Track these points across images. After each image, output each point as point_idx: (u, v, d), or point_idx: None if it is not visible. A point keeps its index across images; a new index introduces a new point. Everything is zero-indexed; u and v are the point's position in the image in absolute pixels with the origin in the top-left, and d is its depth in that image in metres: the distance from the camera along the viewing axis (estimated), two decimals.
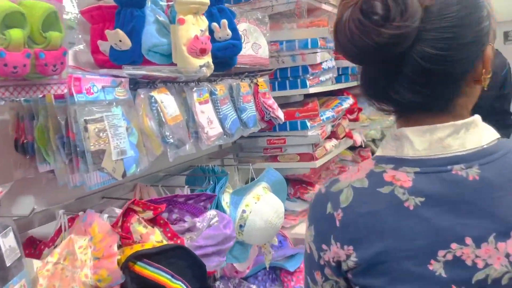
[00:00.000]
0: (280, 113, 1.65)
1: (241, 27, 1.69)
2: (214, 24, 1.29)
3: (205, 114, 1.25)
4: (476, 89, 0.70)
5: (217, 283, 1.59)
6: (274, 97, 1.95)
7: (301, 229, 2.01)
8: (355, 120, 2.53)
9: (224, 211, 1.44)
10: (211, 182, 1.47)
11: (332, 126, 2.15)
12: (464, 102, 0.69)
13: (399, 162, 0.67)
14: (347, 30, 0.63)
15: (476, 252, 0.62)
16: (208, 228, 1.12)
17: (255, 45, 1.73)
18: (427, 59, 0.62)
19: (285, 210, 2.04)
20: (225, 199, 1.49)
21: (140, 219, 0.99)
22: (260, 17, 1.80)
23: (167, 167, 1.53)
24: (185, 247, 0.99)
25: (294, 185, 2.09)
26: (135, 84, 1.13)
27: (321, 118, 1.95)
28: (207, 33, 1.22)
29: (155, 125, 1.10)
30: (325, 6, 2.06)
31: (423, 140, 0.67)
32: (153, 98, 1.10)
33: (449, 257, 0.63)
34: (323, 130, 1.96)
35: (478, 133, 0.67)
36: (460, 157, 0.65)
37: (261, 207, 1.47)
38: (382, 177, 0.67)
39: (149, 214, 1.01)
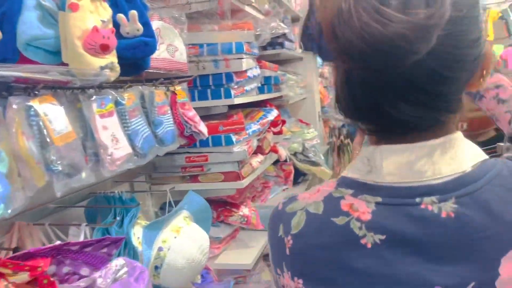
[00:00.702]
0: (203, 127, 1.41)
1: (154, 25, 1.41)
2: (120, 16, 1.01)
3: (108, 130, 0.96)
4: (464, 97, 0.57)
5: None
6: (193, 108, 1.71)
7: (226, 258, 1.76)
8: (279, 133, 2.37)
9: (135, 250, 1.15)
10: (118, 216, 1.17)
11: (258, 140, 1.95)
12: (457, 113, 0.56)
13: (360, 188, 0.56)
14: (356, 21, 0.46)
15: None
16: (114, 284, 0.83)
17: (170, 47, 1.47)
18: (444, 63, 0.50)
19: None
20: (137, 233, 1.20)
21: (10, 285, 0.68)
22: (176, 15, 1.55)
23: (59, 197, 1.19)
24: None
25: (217, 207, 1.84)
26: (6, 90, 0.82)
27: (247, 131, 1.74)
28: (110, 25, 0.94)
29: (35, 146, 0.79)
30: (248, 9, 1.87)
31: (391, 163, 0.54)
32: (32, 109, 0.80)
33: None
34: (250, 145, 1.75)
35: (458, 155, 0.54)
36: (433, 187, 0.52)
37: (182, 242, 1.20)
38: (339, 205, 0.56)
39: (24, 276, 0.70)
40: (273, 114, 2.14)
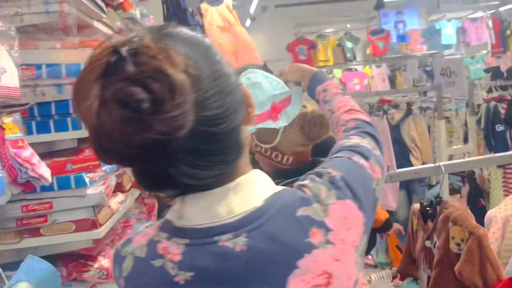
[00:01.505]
0: (44, 170, 1.11)
1: None
2: None
3: None
4: (246, 136, 0.66)
5: None
6: (30, 144, 1.36)
7: None
8: None
9: None
10: None
11: (116, 176, 1.68)
12: (243, 152, 0.64)
13: (173, 232, 0.63)
14: (114, 133, 0.51)
15: None
16: None
17: None
18: (211, 123, 0.57)
19: None
20: None
21: None
22: (3, 29, 1.22)
23: None
24: None
25: (67, 263, 1.50)
26: None
27: (103, 168, 1.47)
28: None
29: None
30: (97, 25, 1.61)
31: (195, 208, 0.62)
32: None
33: None
34: (107, 185, 1.47)
35: (250, 193, 0.63)
36: (228, 226, 0.61)
37: None
38: (156, 248, 0.63)
39: None
40: None
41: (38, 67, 1.30)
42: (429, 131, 3.16)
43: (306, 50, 7.07)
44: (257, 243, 0.60)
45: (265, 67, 3.53)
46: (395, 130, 2.49)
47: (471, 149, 2.32)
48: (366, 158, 0.73)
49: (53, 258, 1.53)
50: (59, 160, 1.35)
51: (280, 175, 1.14)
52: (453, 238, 0.97)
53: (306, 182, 0.67)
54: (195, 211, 0.61)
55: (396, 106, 2.68)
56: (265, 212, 0.61)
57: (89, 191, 1.37)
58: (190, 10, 3.41)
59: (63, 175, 1.34)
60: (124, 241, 0.67)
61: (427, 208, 1.11)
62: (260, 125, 1.22)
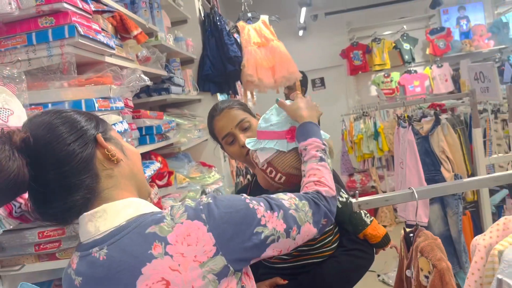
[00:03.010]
0: None
1: None
2: None
3: None
4: (119, 166, 0.88)
5: None
6: None
7: None
8: (168, 185, 2.21)
9: None
10: None
11: None
12: (108, 184, 0.85)
13: (77, 248, 0.87)
14: None
15: None
16: None
17: (3, 111, 1.28)
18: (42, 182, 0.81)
19: None
20: None
21: None
22: (15, 74, 1.36)
23: None
24: None
25: None
26: None
27: None
28: None
29: None
30: (109, 59, 1.72)
31: (81, 228, 0.85)
32: None
33: None
34: None
35: (113, 216, 0.82)
36: (96, 241, 0.81)
37: None
38: (71, 260, 0.87)
39: None
40: (154, 167, 1.98)
41: (45, 106, 1.43)
42: (485, 136, 2.95)
43: (361, 55, 6.91)
44: (113, 254, 0.78)
45: (304, 77, 3.54)
46: (426, 141, 2.35)
47: None
48: (269, 207, 0.85)
49: None
50: None
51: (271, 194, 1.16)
52: (421, 270, 0.91)
53: (179, 203, 0.84)
54: (81, 230, 0.84)
55: (424, 116, 2.54)
56: (123, 230, 0.79)
57: None
58: (227, 29, 3.50)
59: None
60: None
61: (410, 235, 1.05)
62: (274, 142, 1.24)
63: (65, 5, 1.37)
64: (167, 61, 2.72)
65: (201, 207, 0.81)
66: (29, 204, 0.86)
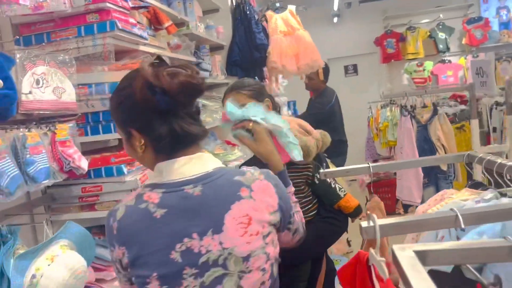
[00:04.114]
0: (83, 163, 1.55)
1: (39, 70, 1.56)
2: None
3: None
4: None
5: None
6: (87, 142, 1.84)
7: None
8: None
9: (9, 278, 1.28)
10: None
11: None
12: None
13: (154, 186, 1.00)
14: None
15: (201, 243, 0.94)
16: None
17: (57, 89, 1.62)
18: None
19: (107, 261, 1.91)
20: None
21: None
22: (67, 59, 1.70)
23: None
24: None
25: None
26: None
27: None
28: None
29: None
30: (143, 48, 2.04)
31: (170, 170, 1.00)
32: None
33: (183, 248, 0.94)
34: (144, 174, 1.90)
35: (204, 163, 1.02)
36: (189, 180, 0.99)
37: (55, 269, 1.33)
38: (142, 197, 0.99)
39: None
40: None
41: (90, 86, 1.76)
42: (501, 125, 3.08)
43: (395, 43, 6.94)
44: (207, 191, 0.97)
45: (326, 68, 3.79)
46: (425, 129, 2.53)
47: (507, 149, 2.27)
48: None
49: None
50: (106, 154, 1.81)
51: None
52: None
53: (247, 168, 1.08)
54: (170, 172, 0.99)
55: (425, 106, 2.71)
56: (214, 175, 1.00)
57: (127, 178, 1.80)
58: (256, 17, 3.75)
59: (108, 166, 1.79)
60: (116, 204, 1.03)
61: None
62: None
63: (108, 4, 1.69)
64: (197, 48, 3.02)
65: (272, 174, 1.07)
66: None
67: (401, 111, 2.66)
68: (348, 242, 3.73)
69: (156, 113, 0.97)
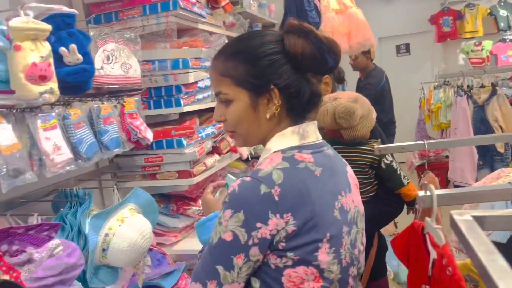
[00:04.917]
0: (148, 134, 1.67)
1: (109, 47, 1.68)
2: (62, 49, 1.27)
3: (51, 140, 1.23)
4: None
5: None
6: (150, 116, 1.97)
7: (184, 245, 2.03)
8: None
9: (86, 235, 1.42)
10: (72, 208, 1.43)
11: (215, 142, 2.21)
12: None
13: (299, 148, 0.95)
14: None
15: (346, 200, 0.96)
16: (49, 258, 1.10)
17: (124, 65, 1.73)
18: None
19: (167, 227, 2.06)
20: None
21: None
22: (132, 37, 1.81)
23: (27, 192, 1.47)
24: (11, 281, 0.96)
25: (177, 201, 2.10)
26: None
27: (200, 135, 2.00)
28: (50, 59, 1.20)
29: None
30: (201, 26, 2.12)
31: (310, 132, 0.98)
32: None
33: (339, 205, 0.93)
34: (202, 147, 2.00)
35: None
36: (321, 143, 1.00)
37: (125, 229, 1.46)
38: (295, 158, 0.92)
39: None
40: None
41: (153, 62, 1.87)
42: None
43: (451, 21, 6.65)
44: (332, 154, 1.02)
45: (339, 74, 3.47)
46: (482, 110, 2.46)
47: None
48: None
49: (167, 197, 2.15)
50: (167, 127, 1.92)
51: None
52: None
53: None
54: (311, 134, 0.97)
55: (482, 86, 2.61)
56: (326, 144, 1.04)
57: (186, 150, 1.91)
58: None
59: (169, 138, 1.90)
60: (251, 173, 0.90)
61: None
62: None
63: None
64: (250, 26, 3.07)
65: None
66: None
67: (457, 91, 2.59)
68: (395, 224, 3.75)
69: (305, 72, 0.96)
